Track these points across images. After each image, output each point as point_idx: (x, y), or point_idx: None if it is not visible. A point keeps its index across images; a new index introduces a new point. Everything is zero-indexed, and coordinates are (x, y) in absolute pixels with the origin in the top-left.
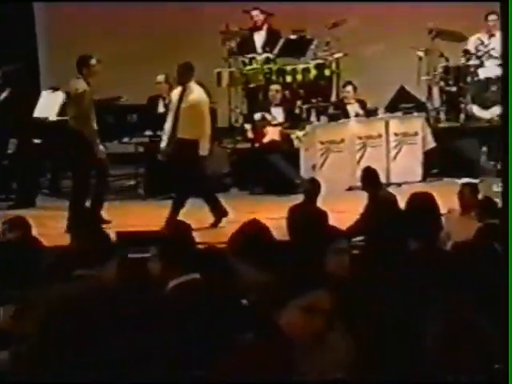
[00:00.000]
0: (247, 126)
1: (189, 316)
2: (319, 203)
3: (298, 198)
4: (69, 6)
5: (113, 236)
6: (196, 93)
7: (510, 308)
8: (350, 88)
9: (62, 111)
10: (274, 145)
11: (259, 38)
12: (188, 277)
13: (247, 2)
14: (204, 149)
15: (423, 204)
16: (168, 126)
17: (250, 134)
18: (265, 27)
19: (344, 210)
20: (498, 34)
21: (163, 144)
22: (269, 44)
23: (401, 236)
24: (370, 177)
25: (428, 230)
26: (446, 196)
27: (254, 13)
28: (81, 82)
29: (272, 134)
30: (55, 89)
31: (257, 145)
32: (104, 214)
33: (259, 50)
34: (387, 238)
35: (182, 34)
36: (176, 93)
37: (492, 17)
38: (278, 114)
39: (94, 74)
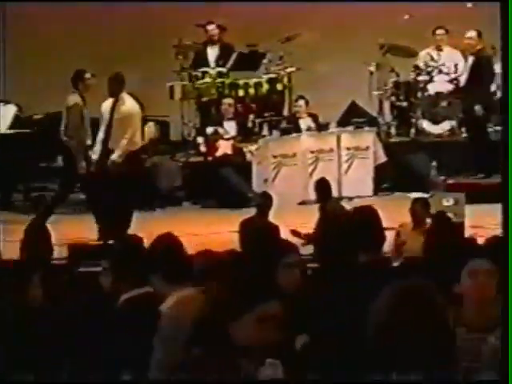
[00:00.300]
0: (200, 140)
1: (140, 329)
2: (271, 217)
3: (250, 212)
4: (24, 19)
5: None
6: (128, 104)
7: (510, 308)
8: (302, 102)
9: (14, 124)
10: (226, 158)
11: (213, 52)
12: (140, 290)
13: (243, 3)
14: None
15: (366, 218)
16: (100, 137)
17: (202, 148)
18: (219, 42)
19: (295, 225)
20: (446, 49)
21: (95, 156)
22: (222, 58)
23: (346, 249)
24: (322, 188)
25: (372, 243)
26: (398, 210)
27: (210, 27)
28: (74, 96)
29: (224, 147)
30: (6, 102)
31: (209, 158)
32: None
33: (212, 64)
34: (334, 250)
35: (135, 46)
36: (107, 104)
37: (439, 31)
38: (230, 127)
39: (88, 88)
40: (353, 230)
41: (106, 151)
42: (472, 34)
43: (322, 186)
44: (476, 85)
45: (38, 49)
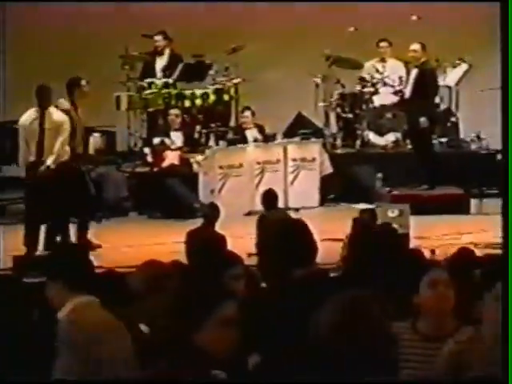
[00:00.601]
0: (146, 150)
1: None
2: (218, 227)
3: (197, 223)
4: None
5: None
6: (56, 114)
7: (510, 308)
8: (248, 113)
9: None
10: (172, 169)
11: (161, 62)
12: (84, 299)
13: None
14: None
15: (297, 230)
16: (25, 149)
17: (149, 158)
18: (167, 52)
19: (243, 235)
20: (390, 61)
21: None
22: (170, 68)
23: (279, 262)
24: (268, 199)
25: (304, 256)
26: (343, 221)
27: (157, 37)
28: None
29: (171, 158)
30: None
31: (156, 169)
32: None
33: (159, 74)
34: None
35: (82, 55)
36: (30, 116)
37: (383, 44)
38: (177, 138)
39: (84, 95)
40: (282, 244)
41: (39, 161)
42: (416, 46)
43: (269, 197)
44: (420, 97)
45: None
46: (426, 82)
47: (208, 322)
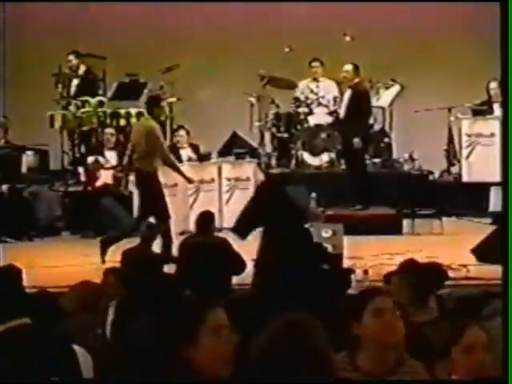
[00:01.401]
0: (80, 169)
1: (18, 362)
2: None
3: (131, 242)
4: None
5: None
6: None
7: (510, 308)
8: (183, 132)
9: None
10: (106, 188)
11: (76, 80)
12: (17, 321)
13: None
14: None
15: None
16: None
17: (82, 177)
18: (82, 70)
19: (177, 255)
20: (324, 82)
21: None
22: (84, 87)
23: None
24: (202, 221)
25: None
26: None
27: (70, 57)
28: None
29: (105, 177)
30: None
31: (89, 188)
32: None
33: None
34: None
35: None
36: None
37: (315, 63)
38: (111, 157)
39: (163, 112)
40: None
41: None
42: (348, 67)
43: (203, 218)
44: (354, 117)
45: None
46: (360, 103)
47: (201, 332)
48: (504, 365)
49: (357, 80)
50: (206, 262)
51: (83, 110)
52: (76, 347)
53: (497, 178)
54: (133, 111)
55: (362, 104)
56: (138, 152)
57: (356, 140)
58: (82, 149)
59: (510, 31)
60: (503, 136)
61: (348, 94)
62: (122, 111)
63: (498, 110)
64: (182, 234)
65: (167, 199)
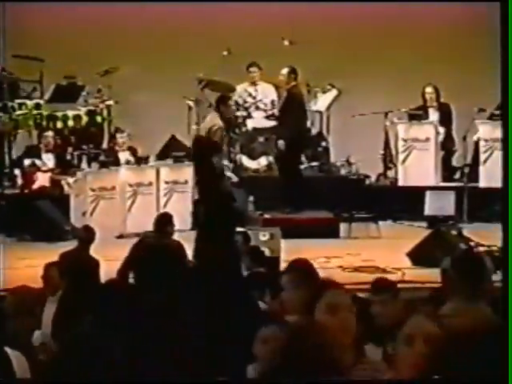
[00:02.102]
0: (16, 172)
1: None
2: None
3: (67, 245)
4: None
5: None
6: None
7: (510, 308)
8: (122, 135)
9: None
10: (43, 191)
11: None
12: None
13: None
14: None
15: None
16: None
17: (19, 180)
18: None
19: (114, 258)
20: (262, 85)
21: None
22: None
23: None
24: (161, 222)
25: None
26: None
27: None
28: (216, 118)
29: (42, 179)
30: None
31: (26, 191)
32: None
33: None
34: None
35: None
36: None
37: (253, 69)
38: (48, 160)
39: (231, 112)
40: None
41: None
42: (285, 71)
43: (162, 220)
44: (289, 121)
45: None
46: (294, 107)
47: None
48: (504, 365)
49: (293, 84)
50: (158, 263)
51: (19, 112)
52: (9, 350)
53: (432, 182)
54: (70, 114)
55: (295, 107)
56: None
57: (280, 142)
58: (19, 151)
59: (510, 31)
60: (504, 137)
61: (283, 97)
62: (59, 114)
63: (433, 115)
64: (119, 237)
65: (104, 202)
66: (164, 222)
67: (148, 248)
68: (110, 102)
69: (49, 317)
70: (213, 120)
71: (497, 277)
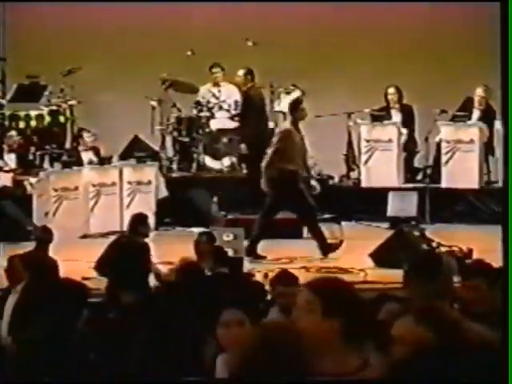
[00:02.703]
0: None
1: None
2: (52, 251)
3: (30, 246)
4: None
5: None
6: None
7: (510, 308)
8: (86, 135)
9: None
10: (5, 191)
11: None
12: None
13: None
14: None
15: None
16: None
17: None
18: None
19: (77, 258)
20: (226, 86)
21: None
22: None
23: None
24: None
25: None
26: (179, 244)
27: None
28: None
29: (4, 179)
30: None
31: None
32: None
33: None
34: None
35: None
36: None
37: (215, 69)
38: (10, 160)
39: (303, 116)
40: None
41: None
42: (241, 72)
43: (136, 220)
44: (248, 122)
45: None
46: (252, 108)
47: None
48: (504, 365)
49: (250, 85)
50: (127, 262)
51: None
52: None
53: (394, 183)
54: (32, 113)
55: (254, 109)
56: (281, 152)
57: (242, 146)
58: None
59: (510, 31)
60: (504, 137)
61: (242, 98)
62: (22, 114)
63: (395, 116)
64: (83, 237)
65: (67, 202)
66: (138, 222)
67: (120, 248)
68: (73, 102)
69: (10, 307)
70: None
71: (459, 277)
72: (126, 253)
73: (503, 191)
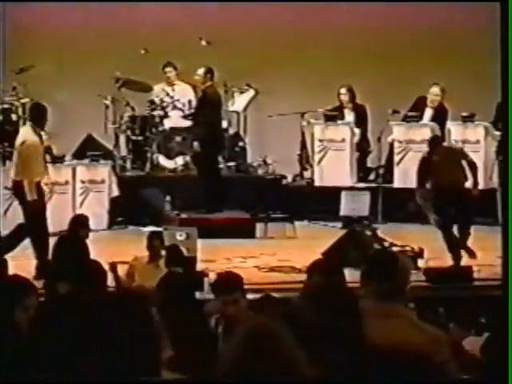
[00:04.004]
0: None
1: None
2: None
3: None
4: None
5: None
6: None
7: (510, 309)
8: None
9: None
10: None
11: None
12: None
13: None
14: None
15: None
16: None
17: None
18: None
19: (26, 257)
20: (179, 85)
21: None
22: None
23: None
24: (75, 223)
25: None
26: (131, 244)
27: None
28: None
29: None
30: None
31: None
32: None
33: None
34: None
35: None
36: None
37: (168, 68)
38: None
39: None
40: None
41: None
42: (200, 71)
43: (77, 221)
44: (203, 121)
45: None
46: (209, 107)
47: None
48: (504, 365)
49: (208, 84)
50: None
51: None
52: None
53: (347, 182)
54: None
55: (211, 108)
56: None
57: (195, 144)
58: None
59: (510, 31)
60: (504, 136)
61: (199, 97)
62: None
63: (348, 116)
64: None
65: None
66: (77, 223)
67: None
68: (26, 100)
69: None
70: None
71: (413, 276)
72: (64, 254)
73: (503, 191)
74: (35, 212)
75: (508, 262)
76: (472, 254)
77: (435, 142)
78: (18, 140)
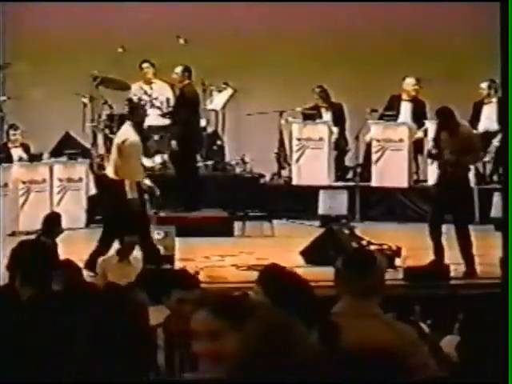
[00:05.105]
0: None
1: None
2: None
3: None
4: None
5: None
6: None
7: (510, 309)
8: (16, 131)
9: None
10: None
11: None
12: None
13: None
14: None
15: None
16: None
17: None
18: None
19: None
20: (157, 83)
21: None
22: None
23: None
24: (49, 222)
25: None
26: None
27: None
28: None
29: None
30: None
31: None
32: None
33: None
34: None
35: None
36: None
37: (145, 65)
38: None
39: None
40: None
41: None
42: (178, 69)
43: (49, 220)
44: (182, 119)
45: None
46: (187, 105)
47: None
48: (504, 365)
49: (186, 82)
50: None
51: None
52: None
53: (325, 181)
54: None
55: (189, 106)
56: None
57: (173, 142)
58: None
59: (510, 31)
60: (503, 135)
61: (177, 95)
62: None
63: (326, 115)
64: (11, 235)
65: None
66: (52, 222)
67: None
68: (3, 98)
69: None
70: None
71: (389, 275)
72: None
73: (503, 191)
74: (135, 210)
75: (508, 261)
76: (471, 269)
77: (445, 115)
78: (119, 138)
